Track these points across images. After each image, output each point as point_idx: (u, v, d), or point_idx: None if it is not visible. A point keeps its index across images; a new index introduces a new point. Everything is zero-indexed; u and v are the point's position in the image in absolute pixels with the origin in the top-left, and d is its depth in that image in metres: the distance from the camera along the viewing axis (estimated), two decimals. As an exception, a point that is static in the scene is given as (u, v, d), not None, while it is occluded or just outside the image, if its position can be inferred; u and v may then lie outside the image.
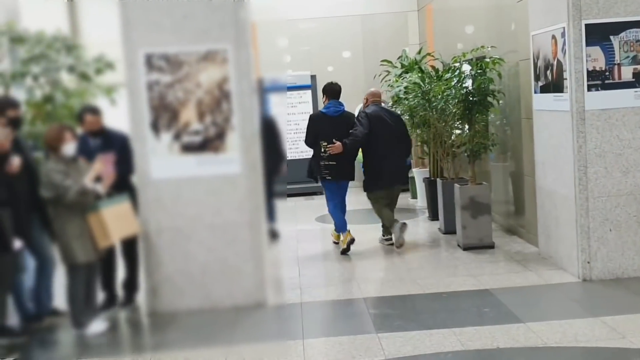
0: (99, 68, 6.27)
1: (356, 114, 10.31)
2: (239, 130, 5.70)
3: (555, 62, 6.17)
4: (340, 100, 7.79)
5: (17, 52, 6.38)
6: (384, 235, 7.97)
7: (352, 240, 7.53)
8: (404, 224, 7.55)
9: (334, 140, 7.42)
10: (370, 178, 7.77)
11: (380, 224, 7.98)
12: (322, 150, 7.47)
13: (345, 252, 7.52)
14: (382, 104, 8.11)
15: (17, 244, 5.06)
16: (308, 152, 11.49)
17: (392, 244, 7.71)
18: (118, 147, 5.67)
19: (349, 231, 7.59)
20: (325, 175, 7.61)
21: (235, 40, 5.66)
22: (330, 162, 7.52)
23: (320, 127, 7.64)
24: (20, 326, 5.45)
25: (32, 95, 6.22)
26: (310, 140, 7.77)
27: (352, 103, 12.47)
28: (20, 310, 5.51)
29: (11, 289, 5.35)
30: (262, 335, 5.27)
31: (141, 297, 5.96)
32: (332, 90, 7.79)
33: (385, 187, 7.75)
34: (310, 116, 8.03)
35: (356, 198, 11.65)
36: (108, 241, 5.34)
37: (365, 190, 7.88)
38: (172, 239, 5.77)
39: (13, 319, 5.45)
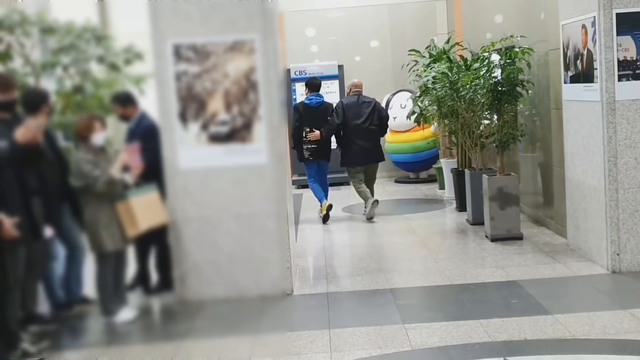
0: (128, 58, 6.31)
1: (383, 104, 10.96)
2: (266, 121, 5.71)
3: (585, 52, 6.09)
4: (319, 92, 9.31)
5: (47, 43, 6.45)
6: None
7: (330, 207, 9.01)
8: (376, 201, 8.93)
9: (313, 129, 9.04)
10: (346, 157, 9.18)
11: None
12: (304, 136, 9.06)
13: (325, 219, 9.00)
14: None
15: (48, 232, 5.13)
16: (335, 143, 11.63)
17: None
18: (140, 135, 5.70)
19: (327, 201, 9.09)
20: (308, 156, 9.16)
21: (262, 30, 5.66)
22: (312, 146, 9.11)
23: (304, 116, 9.11)
24: (51, 314, 5.53)
25: (62, 85, 6.28)
26: (294, 127, 9.16)
27: (380, 93, 12.47)
28: (50, 298, 5.59)
29: (42, 277, 5.44)
30: (289, 324, 5.30)
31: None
32: (314, 84, 9.29)
33: (361, 165, 9.11)
34: (295, 106, 9.51)
35: (384, 188, 11.68)
36: (136, 230, 5.39)
37: (341, 166, 9.42)
38: (200, 229, 5.81)
39: (44, 306, 5.54)
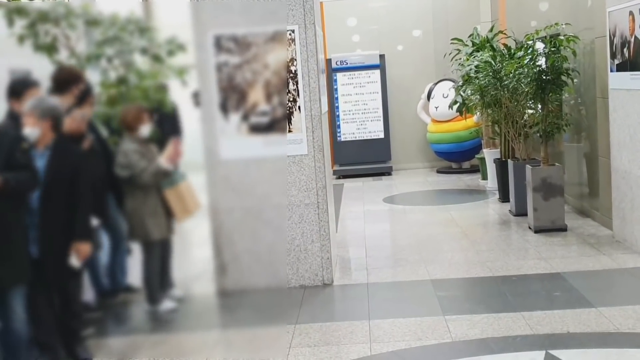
0: (171, 50, 6.36)
1: (425, 93, 11.09)
2: (306, 111, 5.72)
3: (632, 40, 5.96)
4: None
5: (92, 35, 6.53)
6: None
7: None
8: None
9: None
10: None
11: None
12: None
13: None
14: None
15: (94, 221, 5.21)
16: (376, 133, 11.64)
17: None
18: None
19: None
20: None
21: (303, 21, 5.67)
22: None
23: None
24: (96, 301, 5.63)
25: (107, 76, 6.37)
26: None
27: (423, 82, 12.40)
28: (95, 286, 5.69)
29: (88, 266, 5.53)
30: (329, 315, 5.32)
31: (210, 276, 6.07)
32: None
33: None
34: None
35: (424, 179, 11.60)
36: (187, 214, 5.42)
37: None
38: (240, 219, 5.85)
39: (89, 294, 5.64)
